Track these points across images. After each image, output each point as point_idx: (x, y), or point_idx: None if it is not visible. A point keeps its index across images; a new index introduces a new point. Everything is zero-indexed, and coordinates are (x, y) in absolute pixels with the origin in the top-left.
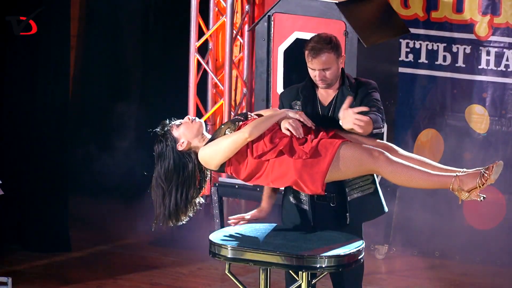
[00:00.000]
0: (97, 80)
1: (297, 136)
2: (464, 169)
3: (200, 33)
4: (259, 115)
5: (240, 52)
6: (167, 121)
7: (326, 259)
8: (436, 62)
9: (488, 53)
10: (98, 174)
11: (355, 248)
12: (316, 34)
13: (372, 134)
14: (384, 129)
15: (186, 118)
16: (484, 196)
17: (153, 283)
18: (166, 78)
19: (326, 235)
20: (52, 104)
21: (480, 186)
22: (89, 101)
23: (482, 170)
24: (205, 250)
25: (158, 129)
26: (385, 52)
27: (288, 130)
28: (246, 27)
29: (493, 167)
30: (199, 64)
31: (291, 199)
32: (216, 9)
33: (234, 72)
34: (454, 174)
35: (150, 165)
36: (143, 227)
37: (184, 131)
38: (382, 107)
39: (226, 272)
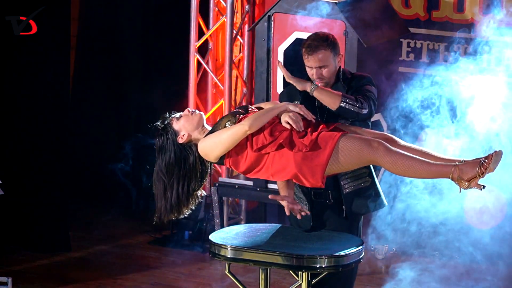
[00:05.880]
0: (97, 80)
1: (297, 130)
2: (464, 159)
3: (200, 33)
4: (260, 108)
5: (240, 52)
6: (167, 114)
7: (326, 259)
8: (437, 62)
9: (489, 53)
10: (98, 173)
11: (355, 248)
12: (313, 32)
13: (348, 114)
14: (385, 127)
15: (185, 111)
16: (484, 185)
17: (153, 283)
18: (166, 78)
19: (326, 235)
20: (52, 104)
21: (479, 175)
22: (89, 101)
23: (481, 159)
24: (205, 250)
25: (158, 123)
26: (385, 52)
27: (288, 123)
28: (246, 27)
29: (492, 156)
30: (199, 64)
31: (295, 198)
32: (216, 9)
33: (234, 72)
34: (454, 163)
35: (151, 163)
36: (143, 227)
37: (184, 124)
38: (372, 97)
39: (226, 272)
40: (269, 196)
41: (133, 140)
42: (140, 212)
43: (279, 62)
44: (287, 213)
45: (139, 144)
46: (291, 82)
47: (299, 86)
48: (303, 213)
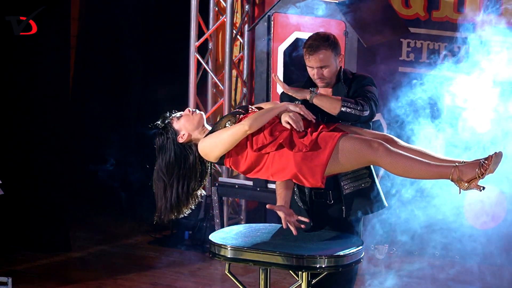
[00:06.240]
0: (97, 80)
1: (297, 130)
2: (464, 160)
3: (200, 33)
4: (260, 108)
5: (240, 52)
6: (168, 114)
7: (326, 259)
8: (437, 62)
9: (489, 53)
10: (98, 173)
11: (355, 248)
12: (314, 32)
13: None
14: (385, 127)
15: (186, 110)
16: (484, 186)
17: (153, 283)
18: (166, 78)
19: (326, 235)
20: (52, 104)
21: (479, 176)
22: (89, 101)
23: (481, 160)
24: (205, 250)
25: (158, 122)
26: (385, 52)
27: (288, 123)
28: (246, 27)
29: (492, 157)
30: (199, 64)
31: (295, 197)
32: (216, 9)
33: (234, 72)
34: (454, 164)
35: (150, 163)
36: (143, 227)
37: (184, 123)
38: (373, 98)
39: (226, 272)
40: (267, 206)
41: (116, 139)
42: (127, 210)
43: (275, 75)
44: (284, 226)
45: (121, 144)
46: (290, 93)
47: (298, 95)
48: (302, 226)
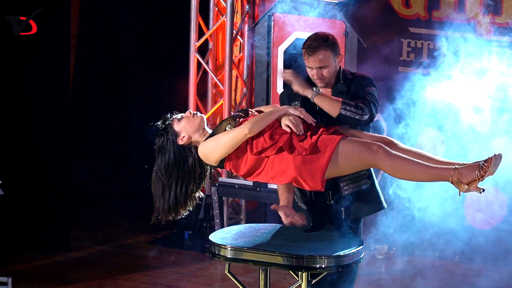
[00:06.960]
0: (97, 80)
1: (297, 133)
2: (463, 162)
3: (200, 33)
4: (260, 111)
5: (240, 52)
6: (168, 115)
7: (326, 259)
8: (437, 61)
9: (489, 53)
10: (98, 173)
11: (355, 248)
12: (313, 33)
13: (354, 123)
14: (384, 127)
15: (187, 112)
16: (484, 188)
17: (153, 283)
18: (166, 78)
19: (325, 235)
20: (52, 104)
21: (479, 179)
22: (89, 101)
23: (481, 162)
24: (205, 250)
25: (159, 123)
26: (385, 52)
27: (288, 126)
28: (246, 27)
29: (491, 159)
30: (199, 64)
31: (295, 198)
32: (216, 9)
33: (234, 72)
34: (453, 166)
35: (150, 162)
36: (143, 227)
37: (185, 125)
38: (373, 100)
39: (226, 272)
40: (272, 207)
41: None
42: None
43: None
44: (286, 223)
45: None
46: (295, 87)
47: (300, 91)
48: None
